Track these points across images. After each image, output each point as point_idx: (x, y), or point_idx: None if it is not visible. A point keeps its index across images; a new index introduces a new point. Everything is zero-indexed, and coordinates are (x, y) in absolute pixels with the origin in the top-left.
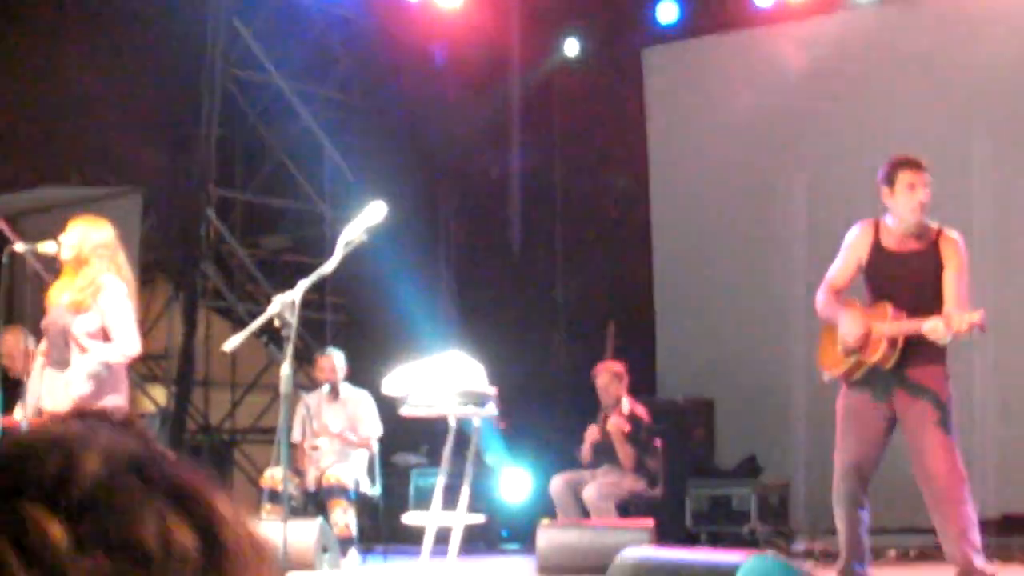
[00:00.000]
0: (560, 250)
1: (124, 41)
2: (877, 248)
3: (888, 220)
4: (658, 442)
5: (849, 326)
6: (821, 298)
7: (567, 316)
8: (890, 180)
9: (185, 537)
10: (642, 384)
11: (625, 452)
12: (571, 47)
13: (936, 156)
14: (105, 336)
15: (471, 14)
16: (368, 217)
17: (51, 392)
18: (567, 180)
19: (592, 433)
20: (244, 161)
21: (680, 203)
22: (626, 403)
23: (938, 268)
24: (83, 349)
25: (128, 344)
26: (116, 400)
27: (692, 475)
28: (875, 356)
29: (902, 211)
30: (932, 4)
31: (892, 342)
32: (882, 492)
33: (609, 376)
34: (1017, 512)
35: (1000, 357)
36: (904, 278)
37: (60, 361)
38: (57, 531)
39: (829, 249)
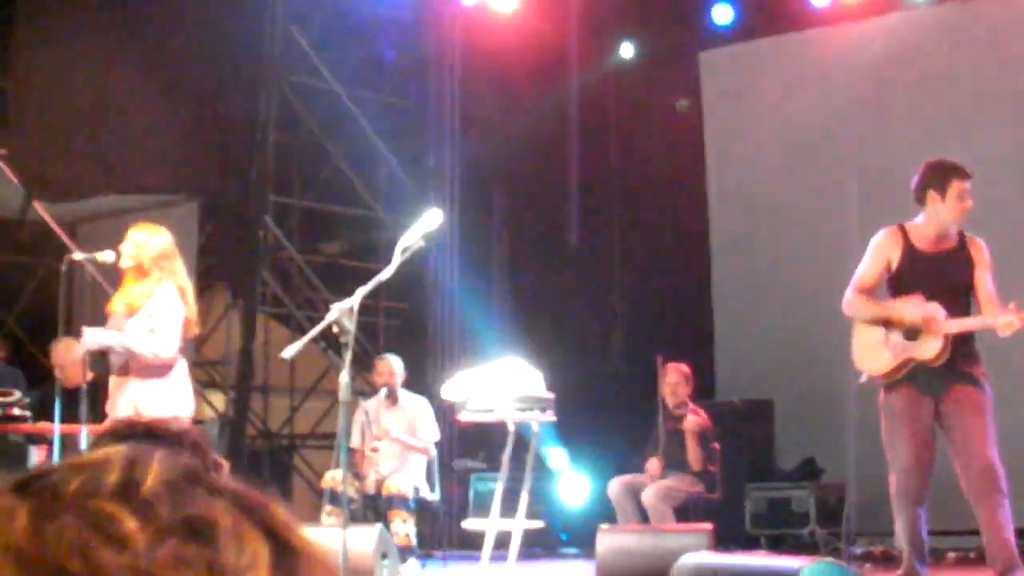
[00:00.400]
0: (618, 253)
1: (182, 49)
2: (910, 251)
3: (918, 222)
4: (716, 445)
5: (914, 309)
6: (853, 298)
7: (625, 319)
8: (942, 186)
9: (255, 538)
10: (701, 386)
11: (695, 454)
12: (627, 50)
13: (991, 158)
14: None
15: (526, 17)
16: (425, 223)
17: (115, 400)
18: (625, 182)
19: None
20: (301, 168)
21: (737, 204)
22: (690, 406)
23: (970, 267)
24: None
25: (163, 344)
26: (178, 401)
27: (751, 478)
28: (930, 353)
29: (948, 217)
30: (988, 3)
31: (947, 340)
32: (940, 493)
33: (679, 376)
34: None
35: None
36: (939, 278)
37: (120, 367)
38: (132, 522)
39: None
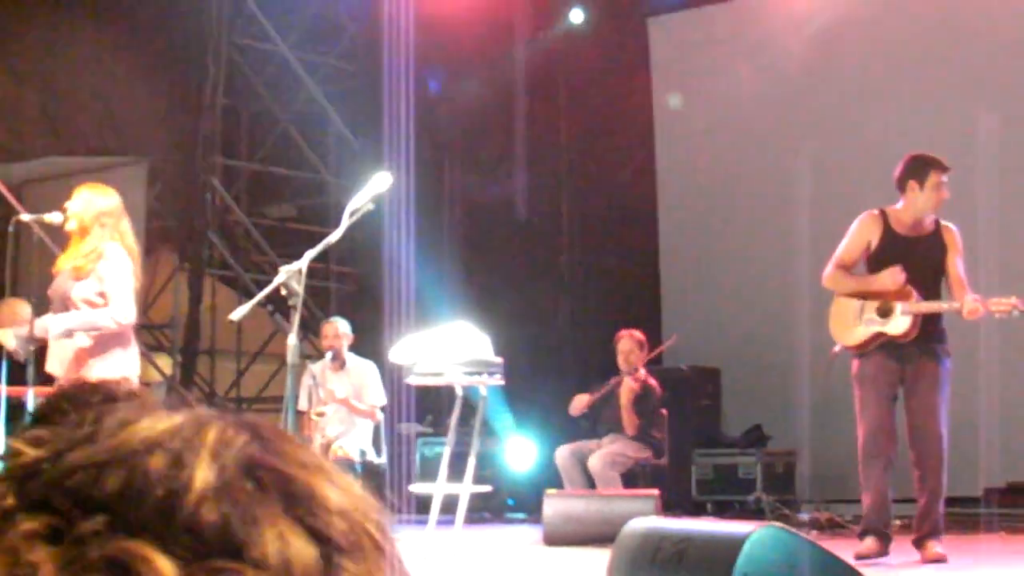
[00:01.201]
0: (566, 219)
1: (130, 10)
2: (889, 233)
3: (898, 207)
4: (664, 411)
5: (891, 276)
6: (833, 272)
7: (573, 285)
8: (921, 177)
9: (303, 548)
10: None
11: (630, 418)
12: (576, 15)
13: (940, 127)
14: (104, 302)
15: None
16: (374, 187)
17: (60, 359)
18: (573, 148)
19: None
20: (249, 131)
21: (686, 172)
22: (642, 372)
23: (943, 252)
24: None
25: (122, 311)
26: (125, 364)
27: (698, 444)
28: (900, 329)
29: (925, 205)
30: None
31: (916, 319)
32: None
33: (632, 342)
34: (1022, 481)
35: (1004, 327)
36: (915, 260)
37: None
38: (169, 570)
39: (833, 219)
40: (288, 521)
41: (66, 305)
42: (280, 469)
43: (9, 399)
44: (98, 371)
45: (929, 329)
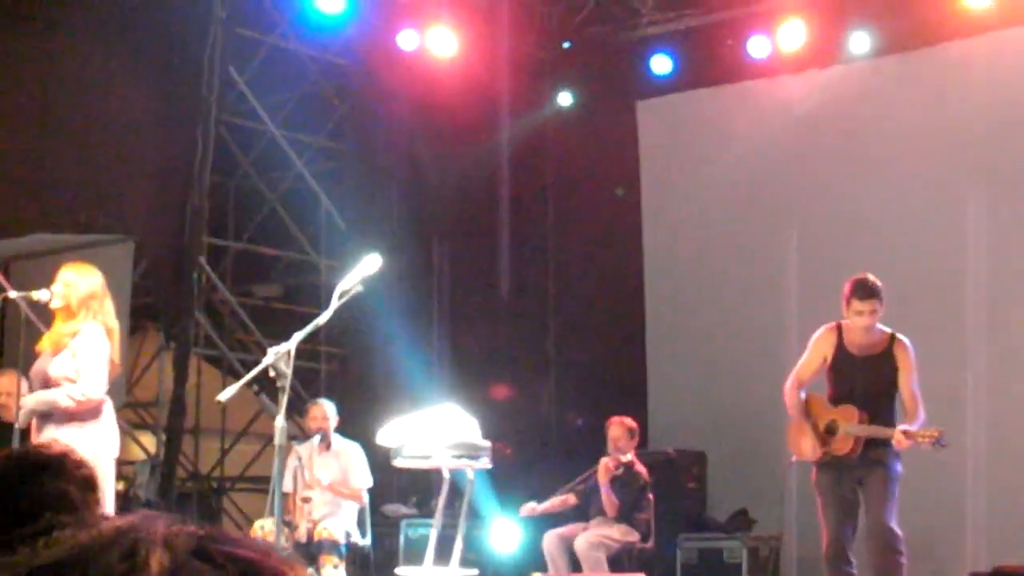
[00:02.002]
0: (551, 300)
1: (118, 86)
2: (841, 350)
3: (850, 323)
4: (649, 496)
5: (808, 449)
6: (789, 391)
7: (558, 368)
8: (847, 304)
9: None
10: None
11: (608, 499)
12: (565, 98)
13: (931, 208)
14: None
15: (465, 62)
16: (364, 268)
17: (38, 439)
18: (559, 229)
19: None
20: (236, 209)
21: (673, 254)
22: (629, 457)
23: (893, 371)
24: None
25: (90, 385)
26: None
27: (684, 528)
28: (844, 450)
29: (855, 330)
30: (927, 58)
31: (858, 439)
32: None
33: (622, 430)
34: (1008, 565)
35: (993, 413)
36: (864, 379)
37: (43, 413)
38: None
39: (820, 302)
40: None
41: (46, 383)
42: (230, 550)
43: None
44: (80, 446)
45: (874, 442)
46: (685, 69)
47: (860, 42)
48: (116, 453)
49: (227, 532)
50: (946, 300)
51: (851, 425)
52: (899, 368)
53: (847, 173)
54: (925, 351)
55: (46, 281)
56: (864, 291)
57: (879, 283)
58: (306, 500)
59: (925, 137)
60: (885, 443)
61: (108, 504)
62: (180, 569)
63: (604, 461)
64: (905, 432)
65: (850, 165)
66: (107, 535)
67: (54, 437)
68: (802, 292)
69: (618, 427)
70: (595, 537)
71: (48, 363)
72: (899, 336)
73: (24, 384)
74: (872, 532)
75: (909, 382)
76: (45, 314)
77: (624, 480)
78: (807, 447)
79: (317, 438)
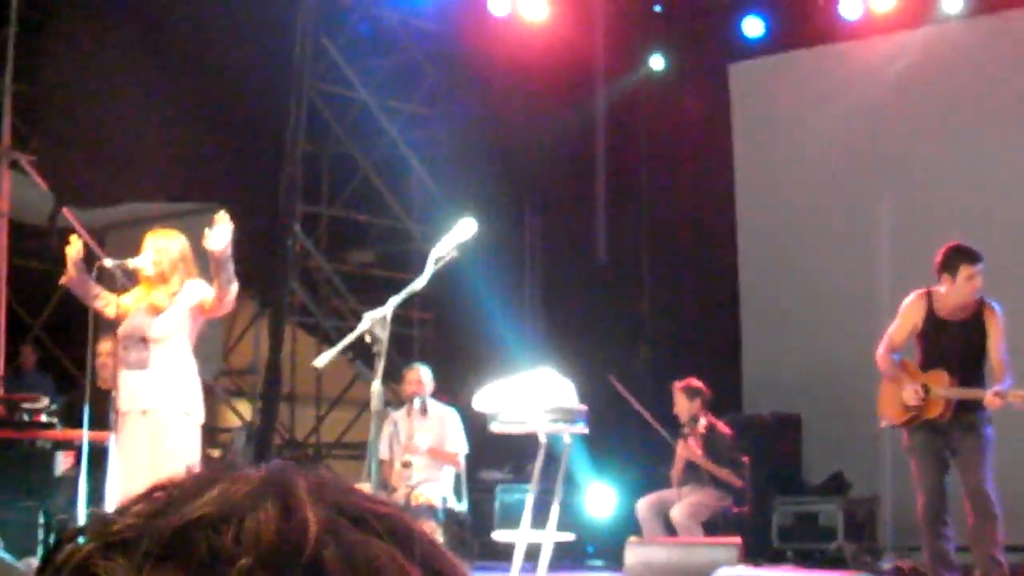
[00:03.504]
0: (646, 264)
1: (211, 57)
2: (931, 317)
3: (942, 289)
4: (745, 458)
5: (912, 394)
6: (881, 355)
7: (653, 331)
8: (953, 271)
9: None
10: (729, 400)
11: (715, 470)
12: (657, 62)
13: (1020, 172)
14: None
15: (557, 27)
16: (458, 233)
17: (130, 394)
18: (653, 194)
19: (681, 450)
20: (330, 176)
21: (766, 217)
22: (703, 421)
23: (983, 336)
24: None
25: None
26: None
27: (779, 491)
28: (935, 413)
29: (959, 297)
30: (1020, 17)
31: (949, 402)
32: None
33: (678, 395)
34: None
35: None
36: (954, 344)
37: (137, 363)
38: None
39: (915, 264)
40: (400, 554)
41: (145, 341)
42: (375, 510)
43: (92, 443)
44: (165, 403)
45: (965, 406)
46: (777, 31)
47: (952, 2)
48: (203, 419)
49: (348, 483)
50: None
51: (942, 388)
52: (988, 333)
53: (940, 135)
54: (1019, 316)
55: (140, 250)
56: (973, 256)
57: None
58: (407, 465)
59: (1019, 98)
60: (976, 408)
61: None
62: (333, 525)
63: (680, 446)
64: (997, 393)
65: (943, 127)
66: (258, 487)
67: (148, 392)
68: (895, 254)
69: (676, 393)
70: (690, 507)
71: (148, 323)
72: (988, 301)
73: (108, 345)
74: (971, 496)
75: (998, 347)
76: (137, 282)
77: (706, 444)
78: (897, 409)
79: (416, 402)
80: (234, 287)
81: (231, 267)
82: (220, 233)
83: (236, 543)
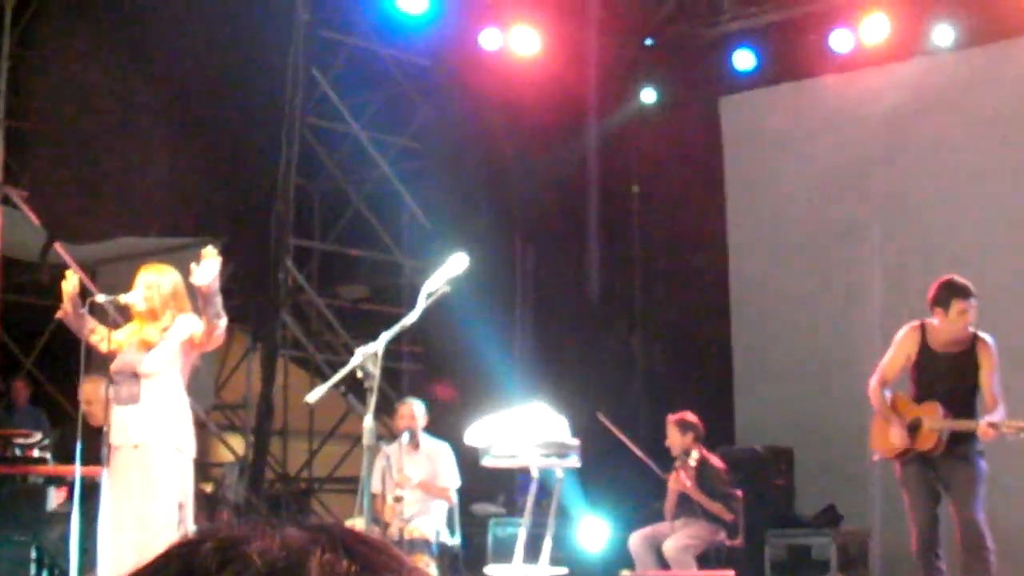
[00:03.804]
0: (638, 299)
1: (203, 90)
2: (924, 349)
3: (935, 322)
4: (738, 492)
5: (899, 435)
6: (873, 388)
7: (645, 365)
8: (945, 306)
9: None
10: (721, 434)
11: (707, 504)
12: (648, 95)
13: (1017, 203)
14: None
15: (548, 61)
16: (450, 268)
17: (121, 429)
18: (645, 228)
19: (672, 483)
20: (322, 211)
21: (758, 251)
22: (695, 455)
23: (975, 369)
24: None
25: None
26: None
27: (771, 524)
28: (927, 446)
29: (952, 331)
30: (1010, 50)
31: (941, 435)
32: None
33: (672, 428)
34: None
35: None
36: (948, 377)
37: (129, 398)
38: None
39: (905, 297)
40: None
41: (136, 376)
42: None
43: (84, 479)
44: (155, 437)
45: (956, 439)
46: (768, 64)
47: (943, 35)
48: (195, 453)
49: (371, 547)
50: None
51: (935, 421)
52: (981, 366)
53: (931, 167)
54: (1013, 349)
55: (132, 285)
56: (965, 291)
57: None
58: (398, 500)
59: (1009, 130)
60: (969, 440)
61: (190, 503)
62: None
63: (672, 478)
64: (991, 424)
65: (934, 159)
66: (269, 571)
67: (139, 427)
68: (886, 287)
69: (669, 426)
70: (683, 540)
71: (139, 360)
72: (982, 335)
73: (103, 385)
74: (962, 529)
75: (990, 380)
76: (129, 317)
77: (703, 479)
78: (889, 442)
79: (406, 437)
80: (223, 321)
81: (219, 301)
82: (207, 268)
83: None
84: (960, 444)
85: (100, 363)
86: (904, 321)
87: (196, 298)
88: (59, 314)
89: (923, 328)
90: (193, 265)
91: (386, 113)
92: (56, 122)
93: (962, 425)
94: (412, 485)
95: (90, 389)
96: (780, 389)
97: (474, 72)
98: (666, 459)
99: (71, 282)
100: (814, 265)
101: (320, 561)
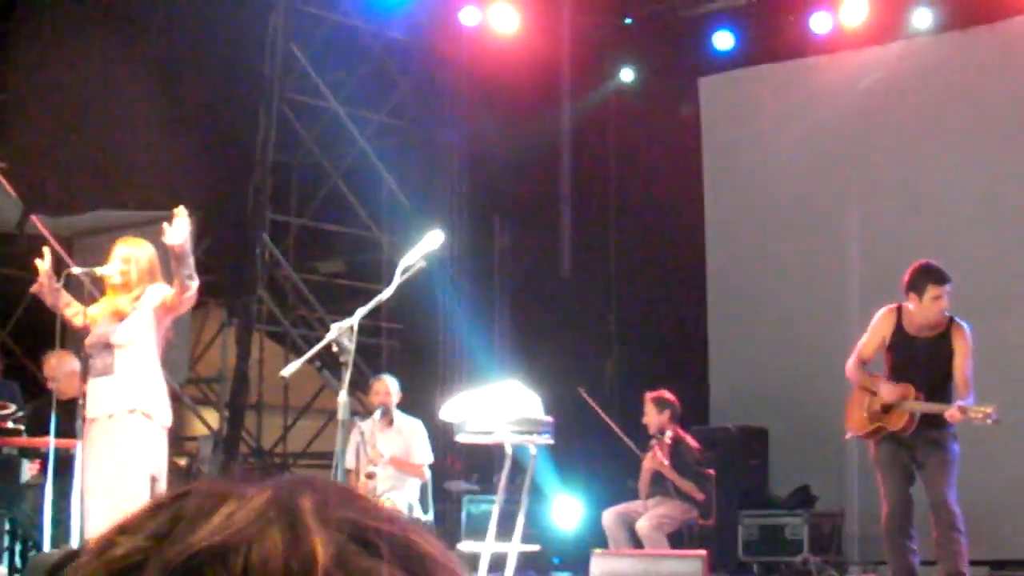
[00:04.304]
0: (613, 277)
1: (181, 64)
2: (900, 332)
3: (911, 307)
4: (711, 471)
5: (889, 390)
6: (851, 366)
7: (620, 343)
8: (919, 291)
9: None
10: (695, 413)
11: (683, 484)
12: (627, 74)
13: (995, 185)
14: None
15: (527, 39)
16: (426, 244)
17: (96, 400)
18: (622, 206)
19: (647, 462)
20: (299, 186)
21: (734, 230)
22: (668, 433)
23: (950, 353)
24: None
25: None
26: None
27: (745, 505)
28: (899, 425)
29: (925, 316)
30: (989, 34)
31: (913, 416)
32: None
33: (649, 405)
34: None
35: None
36: (921, 360)
37: (103, 369)
38: None
39: (883, 278)
40: None
41: (109, 347)
42: (382, 529)
43: (58, 451)
44: (132, 405)
45: (930, 421)
46: (747, 45)
47: (922, 18)
48: (169, 422)
49: (354, 493)
50: (1012, 279)
51: (908, 402)
52: (955, 351)
53: (909, 150)
54: (990, 333)
55: (108, 258)
56: (940, 276)
57: None
58: (371, 476)
59: (988, 113)
60: (941, 425)
61: (163, 476)
62: (341, 554)
63: (647, 456)
64: (960, 408)
65: (912, 142)
66: (264, 509)
67: (113, 397)
68: (864, 268)
69: (646, 404)
70: (655, 519)
71: (112, 331)
72: (958, 320)
73: (68, 360)
74: (935, 510)
75: (964, 366)
76: (104, 292)
77: (677, 457)
78: (861, 419)
79: (379, 413)
80: (194, 283)
81: (191, 263)
82: (178, 227)
83: None
84: (933, 428)
85: (74, 337)
86: (881, 302)
87: (169, 270)
88: (34, 288)
89: (899, 311)
90: (165, 225)
91: (365, 89)
92: (34, 95)
93: (932, 408)
94: (384, 461)
95: (54, 364)
96: (755, 368)
97: (453, 49)
98: (640, 437)
99: (46, 258)
100: (791, 245)
101: (315, 501)
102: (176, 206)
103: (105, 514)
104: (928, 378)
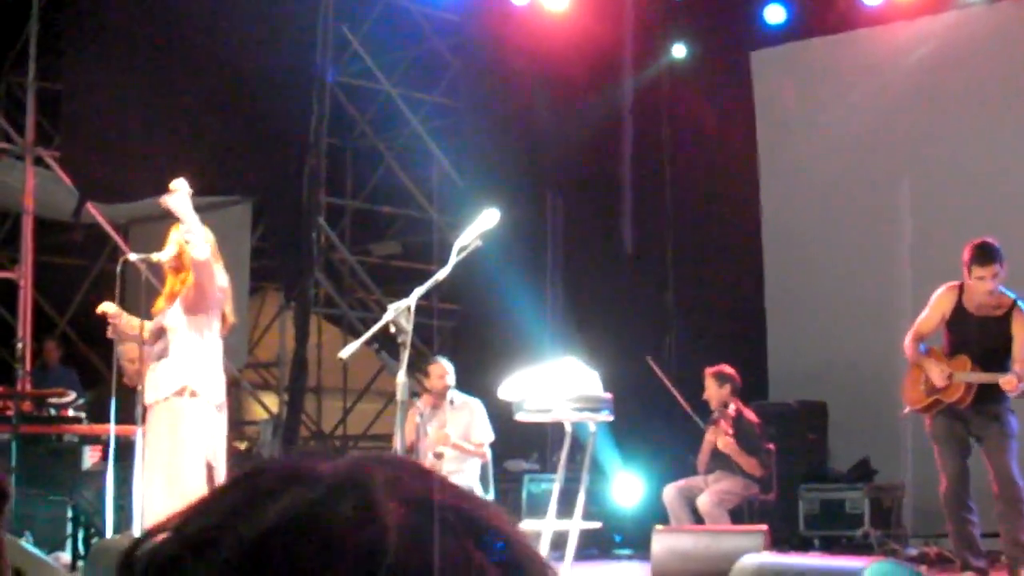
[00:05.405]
0: (671, 253)
1: (234, 50)
2: (960, 309)
3: (970, 283)
4: (771, 446)
5: (938, 373)
6: (909, 343)
7: (678, 319)
8: (968, 270)
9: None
10: (754, 388)
11: (744, 460)
12: (679, 50)
13: None
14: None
15: (578, 17)
16: (482, 223)
17: (153, 385)
18: (677, 183)
19: (710, 435)
20: (354, 168)
21: (790, 205)
22: (731, 407)
23: (1008, 332)
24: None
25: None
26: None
27: (805, 479)
28: (955, 396)
29: (976, 294)
30: None
31: (969, 387)
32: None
33: (709, 380)
34: None
35: None
36: (980, 337)
37: (160, 353)
38: None
39: (935, 251)
40: (477, 552)
41: (163, 333)
42: (453, 504)
43: (118, 438)
44: (184, 385)
45: (987, 394)
46: (799, 18)
47: None
48: (220, 400)
49: (424, 470)
50: None
51: (964, 373)
52: (1015, 334)
53: (962, 122)
54: None
55: (164, 244)
56: (983, 257)
57: (997, 245)
58: (439, 456)
59: None
60: (999, 398)
61: (221, 457)
62: (411, 528)
63: (710, 432)
64: (1016, 373)
65: (965, 113)
66: (336, 485)
67: (167, 380)
68: (917, 243)
69: (707, 379)
70: (717, 495)
71: (165, 315)
72: (1021, 303)
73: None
74: (998, 483)
75: (1021, 344)
76: (163, 277)
77: (738, 432)
78: (918, 393)
79: (448, 395)
80: (197, 236)
81: (188, 217)
82: (177, 190)
83: (315, 556)
84: (990, 401)
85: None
86: (935, 276)
87: (229, 256)
88: (110, 333)
89: (960, 288)
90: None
91: (417, 70)
92: (88, 83)
93: (987, 377)
94: (448, 443)
95: (129, 348)
96: (813, 344)
97: (504, 27)
98: (700, 413)
99: (108, 307)
100: (846, 219)
101: (386, 476)
102: (231, 191)
103: (160, 495)
104: (985, 353)
